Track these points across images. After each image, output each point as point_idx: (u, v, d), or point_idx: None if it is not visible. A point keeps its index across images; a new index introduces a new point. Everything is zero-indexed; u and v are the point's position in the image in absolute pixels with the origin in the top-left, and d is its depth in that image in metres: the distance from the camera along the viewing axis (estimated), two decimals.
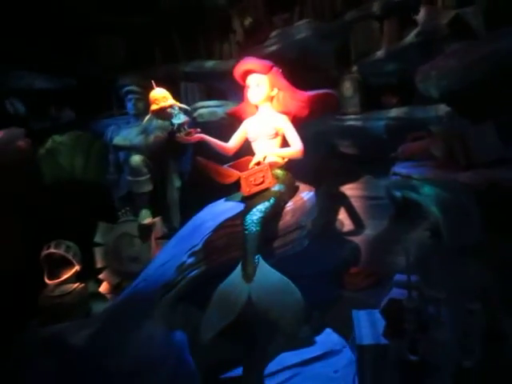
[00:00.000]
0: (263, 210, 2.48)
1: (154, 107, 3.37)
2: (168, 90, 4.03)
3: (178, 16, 4.39)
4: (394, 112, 3.64)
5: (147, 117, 3.52)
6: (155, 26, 4.45)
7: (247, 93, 2.86)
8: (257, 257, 2.37)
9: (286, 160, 2.81)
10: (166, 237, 3.81)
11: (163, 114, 3.43)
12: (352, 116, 3.81)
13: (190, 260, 2.69)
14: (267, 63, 2.85)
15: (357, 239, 4.04)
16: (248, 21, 4.16)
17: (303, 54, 3.94)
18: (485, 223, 2.19)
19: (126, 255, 3.69)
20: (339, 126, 3.88)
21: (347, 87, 3.81)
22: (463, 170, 2.30)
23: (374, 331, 2.22)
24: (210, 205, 3.14)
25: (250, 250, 2.37)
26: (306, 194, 2.90)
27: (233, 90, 4.42)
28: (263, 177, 2.58)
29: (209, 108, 3.71)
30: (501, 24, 2.33)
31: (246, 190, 2.58)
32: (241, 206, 2.84)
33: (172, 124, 2.81)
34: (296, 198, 2.80)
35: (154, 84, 3.43)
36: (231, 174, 2.61)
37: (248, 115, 2.98)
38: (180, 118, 2.77)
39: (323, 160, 4.12)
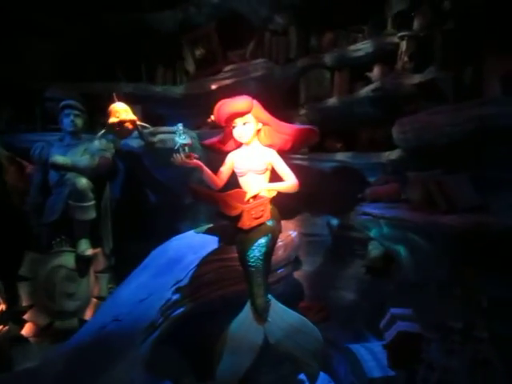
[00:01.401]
0: (265, 244, 2.43)
1: (113, 120, 3.14)
2: (102, 109, 3.77)
3: (122, 34, 4.14)
4: (340, 156, 3.94)
5: (102, 131, 3.27)
6: (95, 40, 4.12)
7: (234, 132, 2.78)
8: (269, 296, 2.32)
9: (274, 195, 2.81)
10: (107, 270, 3.44)
11: (120, 129, 3.20)
12: (300, 156, 3.99)
13: (176, 297, 2.47)
14: (247, 99, 2.80)
15: (296, 275, 4.15)
16: (200, 51, 4.13)
17: (256, 91, 4.04)
18: (464, 261, 2.48)
19: (61, 291, 3.19)
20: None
21: None
22: (443, 214, 2.59)
23: (378, 364, 2.31)
24: (178, 237, 2.93)
25: (258, 287, 2.31)
26: (292, 231, 2.93)
27: (176, 117, 4.31)
28: (262, 211, 2.53)
29: (172, 134, 3.50)
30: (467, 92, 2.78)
31: (247, 223, 2.48)
32: (220, 240, 2.74)
33: (174, 143, 2.60)
34: (284, 235, 2.81)
35: (115, 97, 3.20)
36: (237, 206, 2.49)
37: (229, 148, 2.89)
38: (185, 139, 2.58)
39: None
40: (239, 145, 2.84)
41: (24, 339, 3.10)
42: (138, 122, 3.22)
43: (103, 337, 2.40)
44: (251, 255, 2.38)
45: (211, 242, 2.75)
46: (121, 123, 3.11)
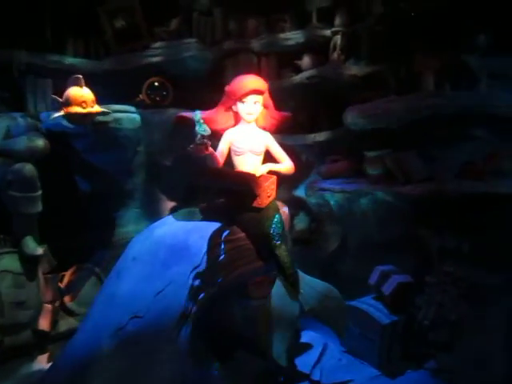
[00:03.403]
0: (280, 220, 2.53)
1: (77, 109, 2.75)
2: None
3: None
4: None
5: (57, 114, 2.81)
6: None
7: (241, 107, 2.72)
8: (296, 268, 2.45)
9: None
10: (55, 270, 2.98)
11: (83, 119, 2.83)
12: None
13: (197, 282, 2.39)
14: (265, 82, 2.84)
15: None
16: (120, 23, 3.78)
17: (185, 71, 3.93)
18: (421, 221, 3.04)
19: (10, 301, 2.63)
20: None
21: None
22: (401, 185, 3.11)
23: (382, 313, 2.67)
24: (163, 222, 2.77)
25: (287, 261, 2.42)
26: (284, 208, 3.03)
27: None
28: (272, 189, 2.60)
29: (127, 113, 3.14)
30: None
31: (264, 201, 2.51)
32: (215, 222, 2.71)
33: (195, 134, 2.45)
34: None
35: (82, 81, 2.80)
36: (262, 184, 2.49)
37: (219, 125, 2.82)
38: (206, 130, 2.47)
39: None
40: (234, 124, 2.83)
41: None
42: (104, 110, 2.89)
43: (125, 338, 2.20)
44: (274, 233, 2.47)
45: (206, 225, 2.68)
46: (87, 115, 2.75)
